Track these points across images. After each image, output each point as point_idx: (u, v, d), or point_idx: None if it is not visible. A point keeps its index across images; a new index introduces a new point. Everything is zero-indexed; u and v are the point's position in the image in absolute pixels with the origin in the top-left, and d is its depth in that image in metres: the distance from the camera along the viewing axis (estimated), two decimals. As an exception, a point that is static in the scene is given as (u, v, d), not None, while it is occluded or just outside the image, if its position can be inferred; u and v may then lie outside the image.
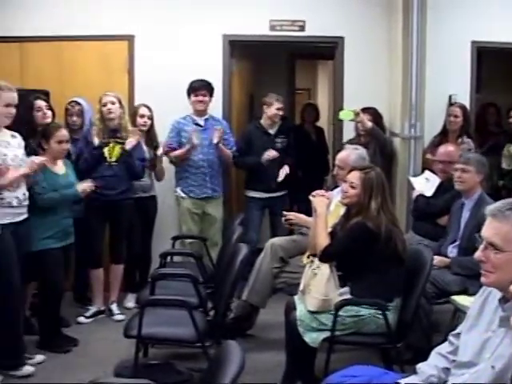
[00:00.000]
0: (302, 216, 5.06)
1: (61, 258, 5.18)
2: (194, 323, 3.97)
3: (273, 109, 6.56)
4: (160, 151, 6.25)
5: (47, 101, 5.75)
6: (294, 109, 9.49)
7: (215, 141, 6.15)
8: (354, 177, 4.22)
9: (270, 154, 6.46)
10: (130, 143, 5.72)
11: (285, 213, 5.14)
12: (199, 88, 6.30)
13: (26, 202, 4.75)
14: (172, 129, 6.34)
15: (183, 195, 6.34)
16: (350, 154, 5.09)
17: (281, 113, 6.61)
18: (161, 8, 6.74)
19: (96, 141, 5.73)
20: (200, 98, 6.30)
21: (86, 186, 5.32)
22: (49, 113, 5.63)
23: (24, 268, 4.74)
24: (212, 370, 2.57)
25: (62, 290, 5.29)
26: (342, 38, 6.76)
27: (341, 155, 5.17)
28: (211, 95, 6.37)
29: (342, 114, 6.32)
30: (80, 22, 6.71)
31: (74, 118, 6.03)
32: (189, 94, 6.33)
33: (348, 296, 4.12)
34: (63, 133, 5.22)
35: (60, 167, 5.29)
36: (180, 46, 6.75)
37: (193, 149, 6.17)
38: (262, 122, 6.69)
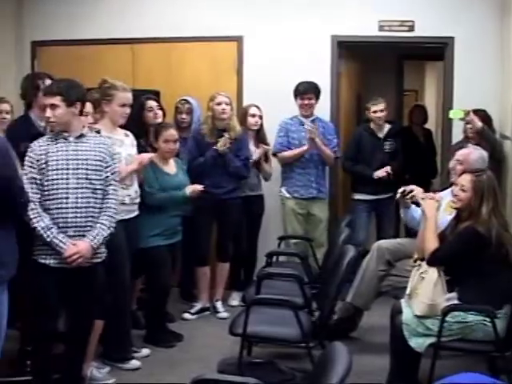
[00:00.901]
0: (420, 189, 4.82)
1: (168, 256, 5.28)
2: (299, 323, 3.97)
3: (370, 112, 6.53)
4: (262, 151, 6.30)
5: (158, 101, 5.87)
6: (401, 110, 9.35)
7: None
8: (466, 180, 4.13)
9: (383, 171, 6.41)
10: (221, 146, 5.77)
11: (403, 187, 4.84)
12: (305, 91, 6.28)
13: (138, 200, 4.88)
14: (280, 129, 6.35)
15: (288, 195, 6.34)
16: (473, 151, 4.96)
17: (379, 114, 6.54)
18: (269, 8, 6.78)
19: (208, 140, 5.83)
20: (306, 101, 6.28)
21: (195, 187, 5.41)
22: (160, 113, 5.75)
23: (133, 264, 4.87)
24: (318, 370, 2.57)
25: (168, 286, 5.39)
26: (452, 38, 6.59)
27: (463, 151, 5.01)
28: (317, 98, 6.34)
29: (452, 113, 6.18)
30: (189, 24, 6.84)
31: (184, 116, 6.16)
32: (295, 96, 6.32)
33: (455, 301, 4.03)
34: (170, 132, 5.32)
35: (171, 167, 5.40)
36: (288, 46, 6.76)
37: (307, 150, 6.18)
38: (371, 125, 6.63)
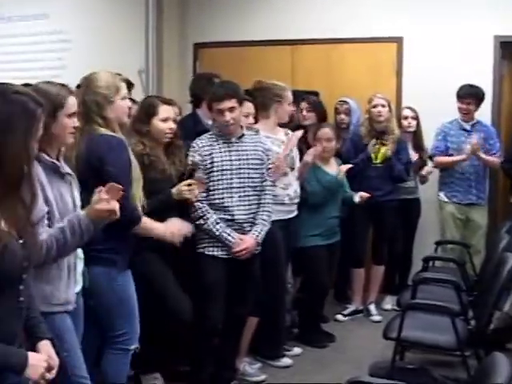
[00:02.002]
0: None
1: (325, 256, 5.31)
2: (456, 331, 3.87)
3: None
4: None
5: (310, 102, 5.87)
6: None
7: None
8: None
9: None
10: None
11: None
12: (464, 96, 6.09)
13: (297, 200, 4.94)
14: (439, 132, 6.22)
15: (446, 200, 6.20)
16: None
17: None
18: (430, 9, 6.62)
19: (364, 141, 5.82)
20: (464, 105, 6.10)
21: (363, 195, 5.43)
22: (308, 115, 5.76)
23: (293, 263, 4.95)
24: (475, 380, 2.50)
25: (326, 286, 5.42)
26: None
27: None
28: (478, 104, 6.13)
29: None
30: (348, 25, 6.82)
31: (342, 117, 6.18)
32: (457, 99, 6.17)
33: None
34: (323, 131, 5.37)
35: (332, 166, 5.43)
36: (449, 47, 6.58)
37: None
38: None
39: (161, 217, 3.81)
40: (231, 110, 4.11)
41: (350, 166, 5.38)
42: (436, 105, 6.28)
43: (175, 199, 3.98)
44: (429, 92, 6.41)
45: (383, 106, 5.83)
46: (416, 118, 6.25)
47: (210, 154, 4.16)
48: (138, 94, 5.63)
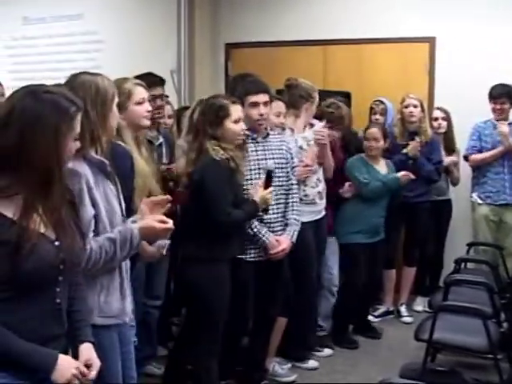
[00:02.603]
0: None
1: (365, 254, 5.34)
2: (488, 333, 3.84)
3: None
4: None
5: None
6: None
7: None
8: None
9: None
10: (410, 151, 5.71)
11: None
12: (498, 96, 6.01)
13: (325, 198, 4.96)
14: (473, 132, 6.15)
15: (480, 201, 6.13)
16: None
17: None
18: (462, 9, 6.57)
19: (398, 142, 5.81)
20: (498, 106, 6.01)
21: (407, 173, 5.46)
22: None
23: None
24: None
25: (359, 286, 5.36)
26: None
27: None
28: (511, 103, 6.07)
29: None
30: (380, 25, 6.80)
31: (377, 117, 6.16)
32: (490, 100, 6.08)
33: None
34: (371, 131, 5.47)
35: (382, 166, 5.51)
36: (482, 47, 6.50)
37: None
38: None
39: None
40: (265, 104, 4.11)
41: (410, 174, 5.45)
42: (469, 105, 6.22)
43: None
44: (461, 92, 6.36)
45: (415, 106, 5.82)
46: (447, 118, 6.22)
47: None
48: (171, 95, 5.67)
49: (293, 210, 4.30)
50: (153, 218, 2.66)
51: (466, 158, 6.20)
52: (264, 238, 4.09)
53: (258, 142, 4.19)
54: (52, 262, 2.16)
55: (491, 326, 3.98)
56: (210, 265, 3.83)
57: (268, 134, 4.26)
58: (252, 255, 4.14)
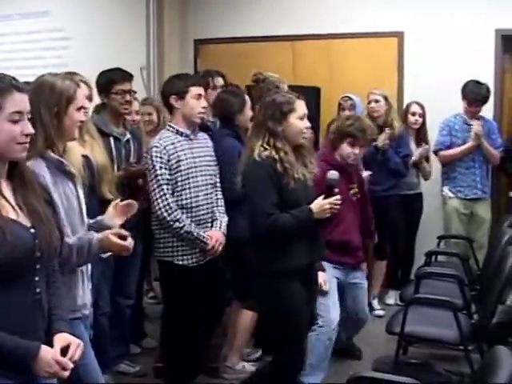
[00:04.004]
0: None
1: None
2: (459, 325, 3.88)
3: None
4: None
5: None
6: None
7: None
8: None
9: None
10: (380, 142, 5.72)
11: None
12: (473, 101, 5.95)
13: None
14: (443, 127, 6.17)
15: (451, 195, 6.18)
16: None
17: None
18: (430, 3, 6.62)
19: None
20: (472, 109, 6.00)
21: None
22: None
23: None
24: (479, 375, 2.50)
25: None
26: None
27: None
28: (485, 103, 6.05)
29: None
30: (349, 20, 6.83)
31: (346, 113, 6.15)
32: (463, 98, 6.05)
33: None
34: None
35: None
36: (450, 41, 6.56)
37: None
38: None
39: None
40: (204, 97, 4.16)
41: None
42: (437, 99, 6.26)
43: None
44: (430, 87, 6.41)
45: (377, 101, 5.90)
46: (423, 114, 6.24)
47: (176, 153, 4.03)
48: (140, 91, 5.63)
49: (217, 206, 4.25)
50: (115, 232, 2.71)
51: (435, 153, 6.23)
52: (204, 240, 4.06)
53: (191, 140, 4.14)
54: (27, 248, 2.15)
55: (462, 317, 4.03)
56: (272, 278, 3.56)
57: (197, 132, 4.22)
58: (194, 259, 4.10)
